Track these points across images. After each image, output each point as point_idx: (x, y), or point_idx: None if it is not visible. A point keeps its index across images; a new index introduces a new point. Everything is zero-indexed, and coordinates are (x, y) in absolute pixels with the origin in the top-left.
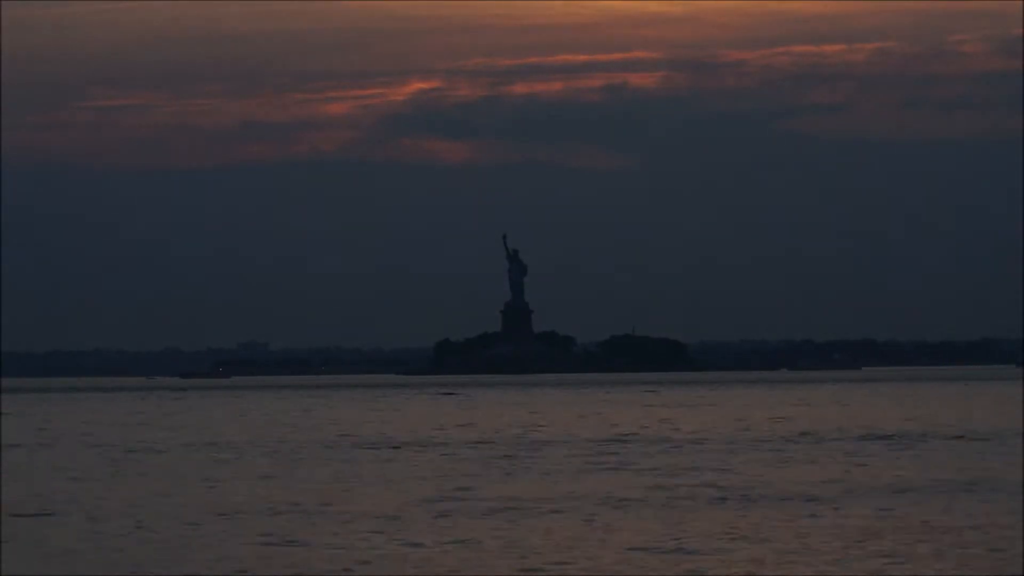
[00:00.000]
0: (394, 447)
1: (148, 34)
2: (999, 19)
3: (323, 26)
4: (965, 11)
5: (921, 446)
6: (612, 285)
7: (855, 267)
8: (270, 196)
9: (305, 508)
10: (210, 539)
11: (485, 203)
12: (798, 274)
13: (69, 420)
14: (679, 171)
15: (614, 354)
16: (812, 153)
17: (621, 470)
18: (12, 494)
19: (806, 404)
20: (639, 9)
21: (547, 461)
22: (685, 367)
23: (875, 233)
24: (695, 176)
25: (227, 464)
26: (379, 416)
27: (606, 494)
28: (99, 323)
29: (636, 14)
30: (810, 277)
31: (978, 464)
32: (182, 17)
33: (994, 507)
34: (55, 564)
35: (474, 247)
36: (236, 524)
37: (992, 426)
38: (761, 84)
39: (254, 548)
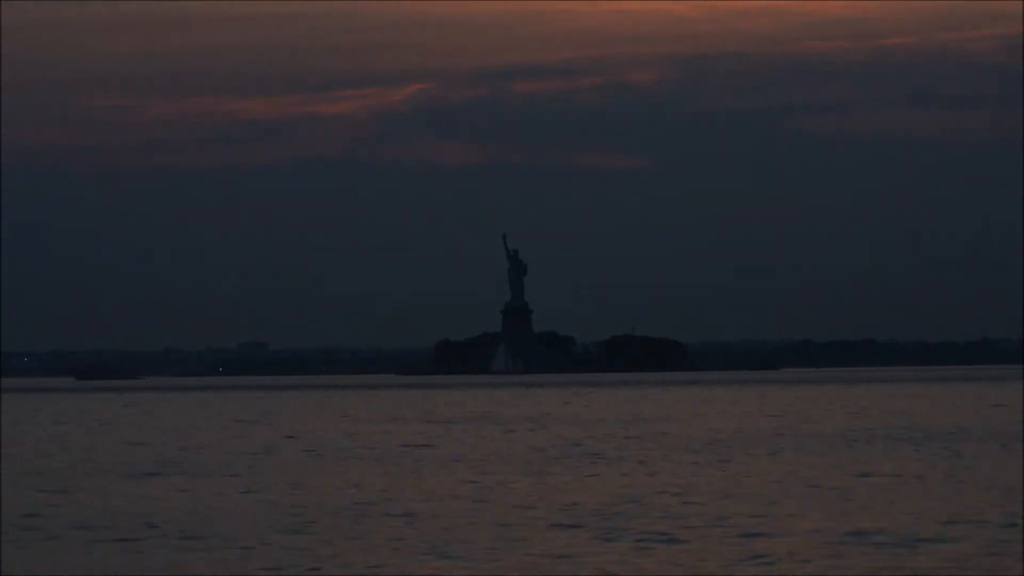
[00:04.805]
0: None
1: (148, 34)
2: (1005, 18)
3: (323, 26)
4: (969, 9)
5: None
6: (612, 285)
7: (855, 267)
8: (270, 196)
9: None
10: None
11: (485, 203)
12: (798, 274)
13: None
14: (679, 171)
15: (614, 354)
16: (812, 152)
17: None
18: None
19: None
20: (639, 8)
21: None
22: (685, 367)
23: (875, 233)
24: (695, 176)
25: None
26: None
27: None
28: (99, 323)
29: (636, 13)
30: (810, 277)
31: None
32: (181, 17)
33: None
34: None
35: (474, 247)
36: None
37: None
38: (762, 83)
39: None
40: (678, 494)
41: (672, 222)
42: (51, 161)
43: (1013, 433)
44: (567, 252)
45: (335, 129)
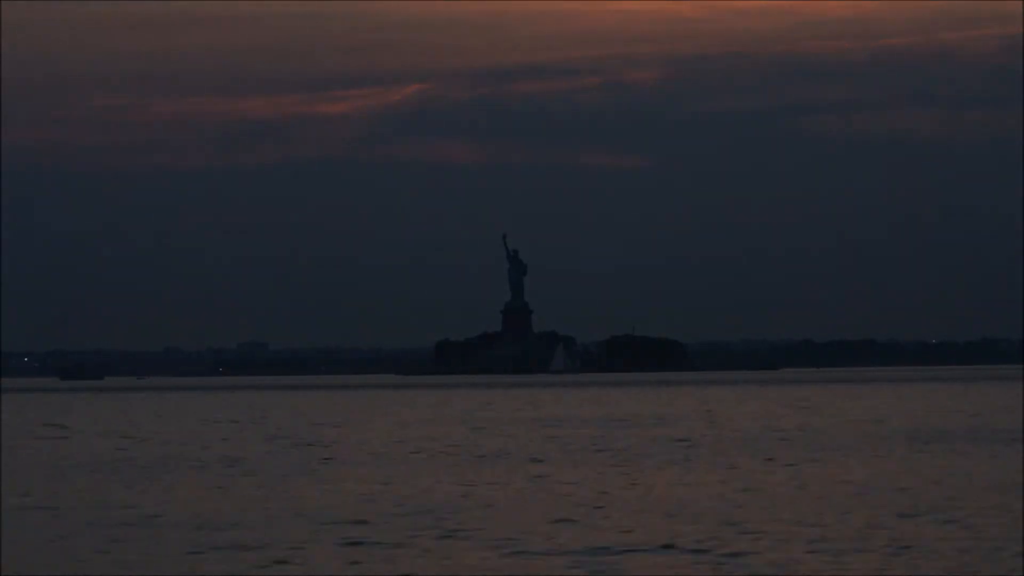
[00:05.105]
0: None
1: (148, 34)
2: (1005, 18)
3: (323, 26)
4: (969, 9)
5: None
6: (612, 285)
7: (855, 267)
8: (270, 196)
9: None
10: None
11: (485, 203)
12: (798, 274)
13: None
14: (679, 170)
15: (614, 354)
16: (812, 152)
17: None
18: None
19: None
20: (639, 8)
21: None
22: (685, 367)
23: (875, 233)
24: (695, 175)
25: None
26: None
27: None
28: (99, 323)
29: (636, 13)
30: (810, 277)
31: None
32: (181, 17)
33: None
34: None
35: (474, 247)
36: None
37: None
38: (762, 83)
39: None
40: None
41: (672, 222)
42: (51, 161)
43: None
44: (567, 252)
45: (335, 129)
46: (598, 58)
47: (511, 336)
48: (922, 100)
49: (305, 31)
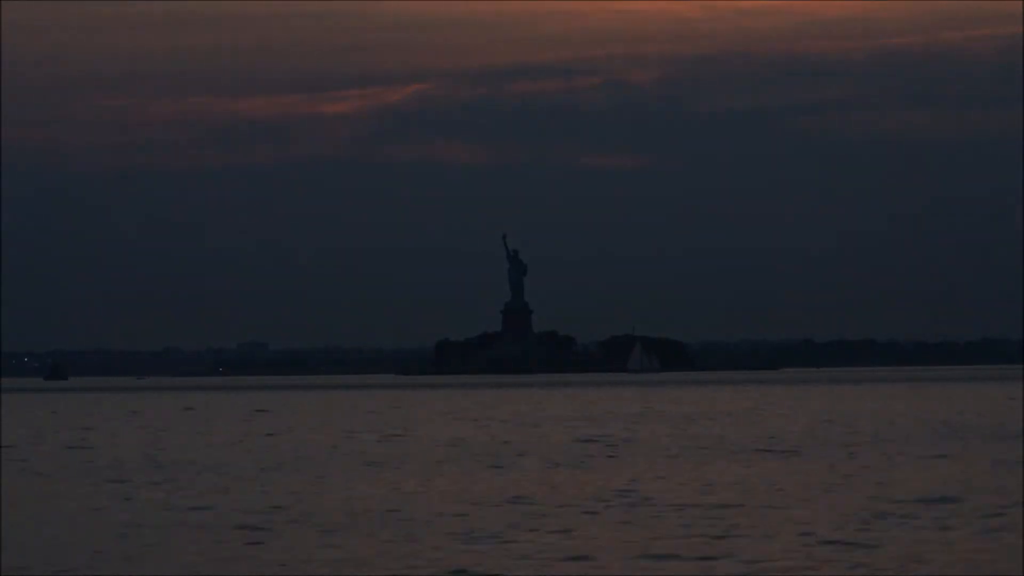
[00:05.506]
0: None
1: (148, 34)
2: (1005, 18)
3: (323, 26)
4: (970, 9)
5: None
6: (612, 285)
7: (855, 267)
8: (270, 196)
9: None
10: None
11: (485, 203)
12: (798, 274)
13: None
14: (679, 170)
15: (614, 354)
16: (812, 152)
17: None
18: None
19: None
20: (639, 8)
21: None
22: (685, 367)
23: (875, 233)
24: (695, 176)
25: None
26: None
27: None
28: (99, 323)
29: (636, 13)
30: (810, 277)
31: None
32: (181, 17)
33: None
34: None
35: (474, 247)
36: None
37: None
38: (762, 83)
39: None
40: None
41: (672, 222)
42: (51, 161)
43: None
44: (567, 252)
45: (335, 129)
46: (598, 58)
47: (511, 336)
48: (922, 100)
49: (305, 31)
